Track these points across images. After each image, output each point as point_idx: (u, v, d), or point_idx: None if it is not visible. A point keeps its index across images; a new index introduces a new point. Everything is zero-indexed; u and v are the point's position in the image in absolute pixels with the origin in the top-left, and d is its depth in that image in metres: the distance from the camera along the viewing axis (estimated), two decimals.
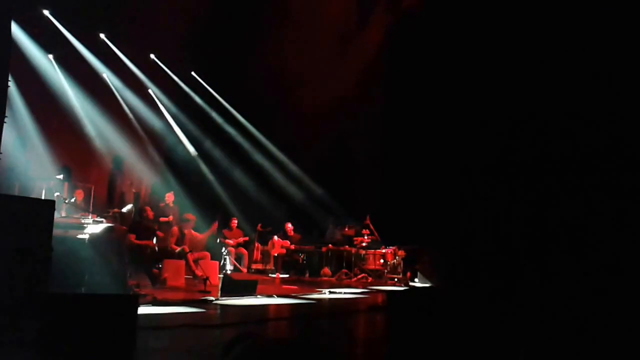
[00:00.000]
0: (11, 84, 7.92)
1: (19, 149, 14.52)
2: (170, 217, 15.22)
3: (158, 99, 19.91)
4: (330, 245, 18.28)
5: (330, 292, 12.92)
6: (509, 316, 8.96)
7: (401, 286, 15.95)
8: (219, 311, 9.60)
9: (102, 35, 17.75)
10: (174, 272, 12.57)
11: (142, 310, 7.39)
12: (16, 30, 15.30)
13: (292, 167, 20.85)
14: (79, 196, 14.09)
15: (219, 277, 12.58)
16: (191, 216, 14.14)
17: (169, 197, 15.90)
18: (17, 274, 6.57)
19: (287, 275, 17.46)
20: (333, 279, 16.99)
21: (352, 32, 19.21)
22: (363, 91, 19.54)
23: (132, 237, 12.42)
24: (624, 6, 13.67)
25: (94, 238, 10.14)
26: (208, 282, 12.06)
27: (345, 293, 13.26)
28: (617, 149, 14.17)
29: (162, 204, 15.72)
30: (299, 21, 17.86)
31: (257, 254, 17.84)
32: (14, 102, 14.89)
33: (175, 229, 13.69)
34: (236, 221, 17.39)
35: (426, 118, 17.67)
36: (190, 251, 13.26)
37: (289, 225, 18.33)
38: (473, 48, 16.46)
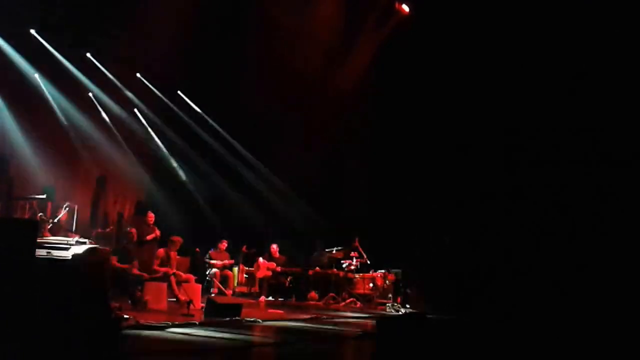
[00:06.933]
0: None
1: (2, 167, 14.35)
2: (157, 233, 15.02)
3: (145, 117, 19.78)
4: (317, 268, 18.02)
5: (318, 317, 12.70)
6: (500, 341, 8.81)
7: (391, 312, 15.73)
8: (202, 335, 9.39)
9: (88, 55, 17.66)
10: (156, 294, 12.32)
11: (124, 334, 7.20)
12: (3, 48, 15.21)
13: (282, 186, 20.68)
14: (63, 216, 13.88)
15: (203, 300, 12.39)
16: (178, 238, 13.91)
17: (150, 218, 15.69)
18: None
19: (272, 299, 17.18)
20: (320, 303, 16.72)
21: (341, 52, 19.12)
22: (352, 112, 19.46)
23: (114, 259, 12.19)
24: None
25: (76, 259, 9.93)
26: (191, 305, 11.84)
27: (333, 318, 13.05)
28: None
29: (145, 225, 15.52)
30: (288, 40, 17.77)
31: (242, 277, 17.58)
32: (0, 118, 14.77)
33: (161, 250, 13.45)
34: (226, 244, 17.15)
35: (415, 139, 17.61)
36: (174, 273, 13.01)
37: (274, 247, 18.03)
38: (462, 67, 16.44)
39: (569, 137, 14.94)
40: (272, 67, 18.15)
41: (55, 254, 9.64)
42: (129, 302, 11.85)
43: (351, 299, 16.82)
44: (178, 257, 13.93)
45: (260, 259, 17.56)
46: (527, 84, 15.31)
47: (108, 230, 15.16)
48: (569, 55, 14.77)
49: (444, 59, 16.75)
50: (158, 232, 15.13)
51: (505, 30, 15.39)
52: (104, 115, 18.51)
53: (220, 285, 15.76)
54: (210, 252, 16.81)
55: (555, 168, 15.25)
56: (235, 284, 17.20)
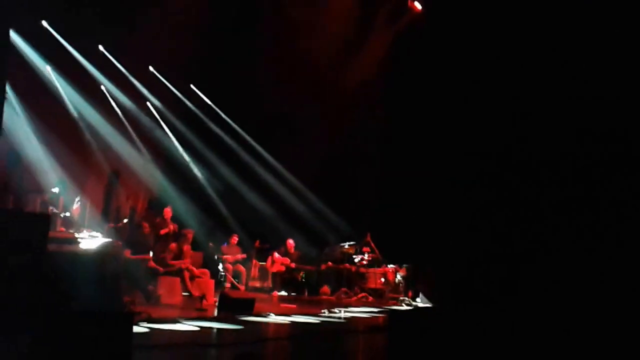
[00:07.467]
0: (9, 95, 7.80)
1: (15, 160, 14.34)
2: (171, 228, 14.95)
3: (157, 111, 19.74)
4: (329, 263, 17.98)
5: (330, 312, 12.65)
6: (512, 335, 8.75)
7: (403, 306, 15.68)
8: (215, 330, 9.39)
9: (100, 47, 17.62)
10: (169, 289, 12.33)
11: (137, 328, 7.18)
12: (15, 40, 15.17)
13: (293, 182, 20.58)
14: (75, 211, 13.87)
15: (216, 295, 12.38)
16: (189, 231, 13.88)
17: (167, 212, 15.63)
18: (10, 290, 6.39)
19: (285, 294, 17.16)
20: (332, 297, 16.69)
21: (353, 48, 19.06)
22: (364, 107, 19.38)
23: (127, 253, 12.18)
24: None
25: (89, 253, 9.95)
26: (204, 299, 11.84)
27: (345, 312, 13.01)
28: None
29: (159, 219, 15.47)
30: (300, 37, 17.70)
31: (255, 271, 17.54)
32: (12, 112, 14.72)
33: (173, 245, 13.42)
34: (237, 238, 17.13)
35: (427, 134, 17.51)
36: (187, 268, 12.99)
37: (290, 242, 17.99)
38: (475, 65, 16.33)
39: (588, 134, 14.81)
40: (285, 60, 18.10)
41: (67, 248, 9.66)
42: (142, 296, 11.84)
43: (363, 294, 16.75)
44: (191, 252, 13.92)
45: (276, 254, 17.51)
46: (547, 78, 15.16)
47: (121, 224, 15.12)
48: (591, 48, 14.61)
49: (458, 54, 16.65)
50: (172, 227, 15.06)
51: (522, 25, 15.26)
52: (116, 108, 18.47)
53: (233, 280, 15.75)
54: (222, 247, 16.79)
55: (570, 165, 15.14)
56: (248, 279, 17.16)
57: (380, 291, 17.16)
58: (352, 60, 19.29)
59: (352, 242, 18.05)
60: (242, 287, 15.93)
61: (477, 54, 16.22)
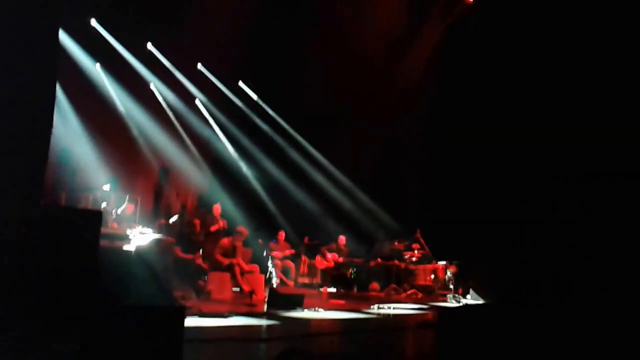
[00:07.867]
0: (59, 94, 7.91)
1: (66, 158, 14.49)
2: (221, 224, 15.01)
3: (206, 108, 19.84)
4: (379, 259, 17.91)
5: (379, 308, 12.59)
6: (564, 334, 8.59)
7: (452, 303, 15.55)
8: (264, 325, 9.40)
9: (149, 45, 17.75)
10: (219, 284, 12.38)
11: (188, 322, 7.21)
12: (64, 40, 15.32)
13: (342, 179, 20.54)
14: (129, 208, 14.00)
15: (265, 291, 12.40)
16: (243, 229, 13.91)
17: (217, 209, 15.70)
18: (63, 285, 6.44)
19: (334, 290, 17.13)
20: (382, 294, 16.62)
21: (403, 43, 18.95)
22: (414, 101, 19.26)
23: (178, 249, 12.26)
24: None
25: (140, 249, 10.03)
26: (254, 295, 11.87)
27: (394, 309, 12.93)
28: None
29: (209, 216, 15.55)
30: (350, 33, 17.65)
31: (304, 268, 17.55)
32: (62, 111, 14.88)
33: (225, 241, 13.46)
34: (284, 234, 17.17)
35: (477, 128, 17.33)
36: (237, 264, 13.04)
37: (342, 238, 17.97)
38: (526, 57, 16.11)
39: None
40: (334, 57, 18.06)
41: (119, 244, 9.75)
42: (193, 291, 11.90)
43: (412, 290, 16.65)
44: (242, 248, 13.96)
45: (325, 251, 17.51)
46: (605, 72, 14.84)
47: (171, 221, 15.22)
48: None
49: (510, 49, 16.45)
50: (222, 224, 15.14)
51: (580, 17, 14.97)
52: (164, 106, 18.60)
53: (283, 276, 15.77)
54: (270, 243, 16.84)
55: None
56: (297, 275, 17.19)
57: (429, 288, 17.05)
58: (403, 57, 19.21)
59: (401, 239, 17.98)
60: (291, 283, 15.95)
61: (530, 47, 16.01)
